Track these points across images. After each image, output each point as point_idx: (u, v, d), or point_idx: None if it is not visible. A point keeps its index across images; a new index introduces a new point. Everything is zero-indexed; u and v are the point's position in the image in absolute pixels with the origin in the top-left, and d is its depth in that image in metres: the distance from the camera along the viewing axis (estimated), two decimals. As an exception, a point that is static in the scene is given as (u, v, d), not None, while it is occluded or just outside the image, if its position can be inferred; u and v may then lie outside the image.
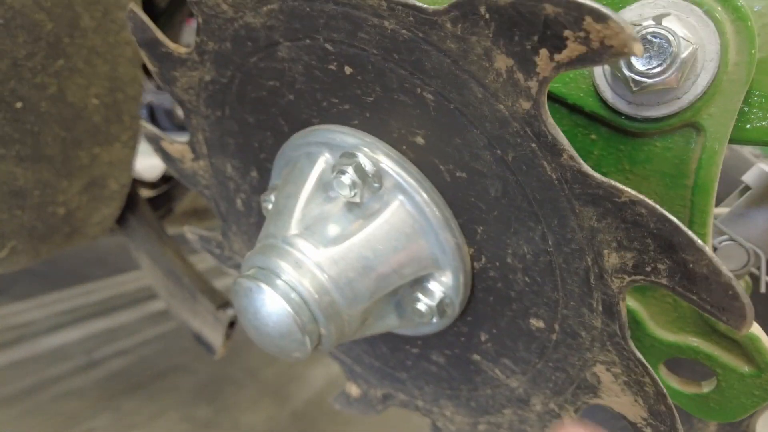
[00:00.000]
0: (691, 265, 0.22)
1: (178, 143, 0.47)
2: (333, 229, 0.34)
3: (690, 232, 0.22)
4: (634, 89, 0.26)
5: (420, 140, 0.31)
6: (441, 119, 0.29)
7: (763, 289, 0.38)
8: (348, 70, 0.31)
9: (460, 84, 0.26)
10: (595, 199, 0.24)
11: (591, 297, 0.28)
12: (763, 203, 0.37)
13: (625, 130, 0.29)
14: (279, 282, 0.32)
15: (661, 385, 0.28)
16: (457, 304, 0.35)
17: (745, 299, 0.22)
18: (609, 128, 0.30)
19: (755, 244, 0.37)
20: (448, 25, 0.24)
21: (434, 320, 0.35)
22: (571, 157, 0.24)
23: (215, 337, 0.70)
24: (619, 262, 0.26)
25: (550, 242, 0.29)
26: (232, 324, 0.70)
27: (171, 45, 0.38)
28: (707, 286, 0.22)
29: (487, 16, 0.22)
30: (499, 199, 0.29)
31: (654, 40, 0.25)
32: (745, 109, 0.28)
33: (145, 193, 0.90)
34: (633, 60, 0.25)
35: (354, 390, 0.52)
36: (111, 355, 1.48)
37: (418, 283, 0.35)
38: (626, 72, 0.26)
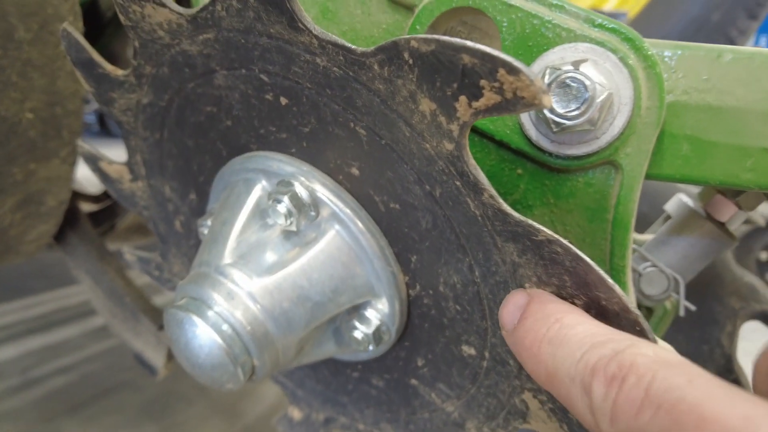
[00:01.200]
0: (603, 302, 0.24)
1: (116, 164, 0.46)
2: (268, 258, 0.34)
3: (601, 272, 0.23)
4: (555, 130, 0.27)
5: (355, 171, 0.31)
6: (374, 153, 0.29)
7: (682, 313, 0.40)
8: (284, 101, 0.31)
9: (389, 122, 0.27)
10: (515, 236, 0.25)
11: None
12: (683, 231, 0.39)
13: (550, 166, 0.30)
14: (210, 313, 0.31)
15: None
16: (394, 330, 0.36)
17: (651, 334, 0.23)
18: (534, 164, 0.31)
19: (675, 270, 0.39)
20: (376, 67, 0.25)
21: (371, 348, 0.35)
22: (491, 197, 0.25)
23: (157, 357, 0.68)
24: (540, 295, 0.27)
25: (477, 273, 0.29)
26: (174, 345, 0.68)
27: (108, 66, 0.38)
28: (618, 322, 0.24)
29: (411, 61, 0.23)
30: (430, 230, 0.30)
31: (572, 84, 0.26)
32: (658, 148, 0.30)
33: (87, 207, 0.87)
34: (553, 103, 0.26)
35: (296, 413, 0.51)
36: (50, 373, 1.42)
37: (355, 310, 0.36)
38: (547, 114, 0.27)
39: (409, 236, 0.32)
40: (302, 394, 0.49)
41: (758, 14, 1.06)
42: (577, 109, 0.26)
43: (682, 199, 0.40)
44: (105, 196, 0.90)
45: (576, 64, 0.27)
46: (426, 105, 0.24)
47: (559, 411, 0.30)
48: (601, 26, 0.28)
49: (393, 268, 0.33)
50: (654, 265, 0.39)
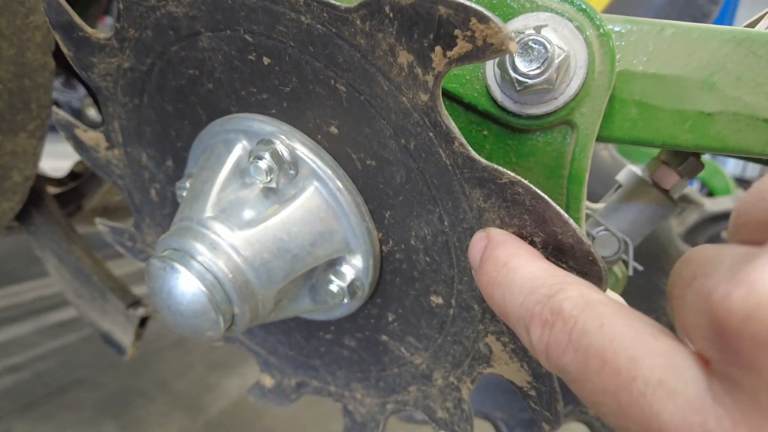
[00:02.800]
0: (559, 236, 0.26)
1: (92, 131, 0.46)
2: (248, 213, 0.35)
3: (557, 207, 0.26)
4: (518, 89, 0.30)
5: (334, 130, 0.33)
6: (353, 110, 0.31)
7: (630, 273, 0.44)
8: (266, 60, 0.33)
9: (369, 77, 0.29)
10: (481, 181, 0.28)
11: None
12: (632, 198, 0.43)
13: (512, 126, 0.33)
14: (194, 263, 0.33)
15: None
16: (367, 285, 0.38)
17: (602, 263, 0.26)
18: (498, 125, 0.34)
19: (625, 233, 0.43)
20: (358, 22, 0.27)
21: (345, 301, 0.37)
22: (461, 144, 0.27)
23: (125, 336, 0.68)
24: (504, 237, 0.29)
25: (446, 223, 0.32)
26: (143, 323, 0.68)
27: (88, 30, 0.38)
28: (573, 254, 0.26)
29: (391, 15, 0.25)
30: (403, 184, 0.32)
31: (534, 46, 0.29)
32: (609, 112, 0.34)
33: (52, 190, 0.85)
34: (517, 63, 0.29)
35: (268, 381, 0.53)
36: (0, 371, 1.37)
37: (331, 266, 0.37)
38: (512, 73, 0.30)
39: (384, 192, 0.34)
40: (274, 360, 0.51)
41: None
42: (538, 68, 0.29)
43: (631, 169, 0.44)
44: (69, 179, 0.88)
45: (537, 29, 0.29)
46: (404, 57, 0.26)
47: (520, 351, 0.33)
48: (559, -2, 0.31)
49: (368, 224, 0.36)
50: (606, 229, 0.43)
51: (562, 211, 0.26)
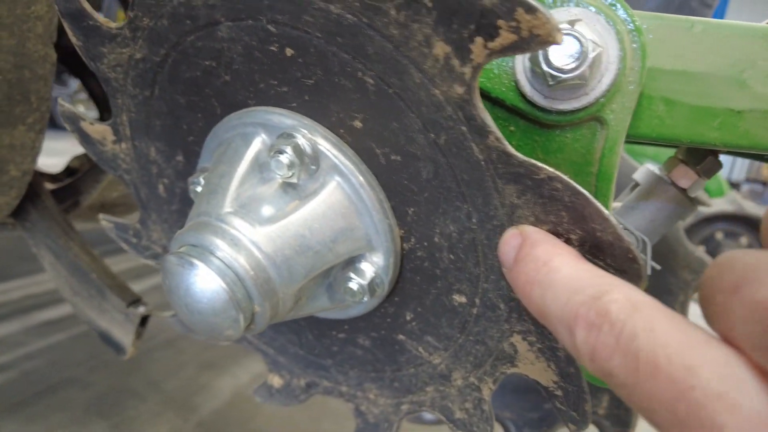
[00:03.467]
0: (598, 234, 0.26)
1: (99, 124, 0.45)
2: (268, 209, 0.34)
3: (598, 204, 0.25)
4: (550, 83, 0.29)
5: (358, 124, 0.32)
6: (380, 103, 0.31)
7: (648, 272, 0.44)
8: (289, 52, 0.32)
9: (400, 69, 0.28)
10: (516, 177, 0.27)
11: None
12: (649, 197, 0.43)
13: (540, 122, 0.33)
14: (213, 259, 0.32)
15: (569, 348, 0.31)
16: (387, 283, 0.37)
17: (641, 261, 0.25)
18: (526, 121, 0.33)
19: (643, 232, 0.42)
20: (392, 12, 0.26)
21: (365, 299, 0.36)
22: (497, 139, 0.27)
23: (125, 336, 0.66)
24: (537, 235, 0.29)
25: (474, 220, 0.31)
26: (143, 322, 0.67)
27: (99, 18, 0.37)
28: (612, 252, 0.26)
29: (430, 4, 0.24)
30: (430, 180, 0.32)
31: (569, 40, 0.29)
32: (637, 109, 0.33)
33: (48, 186, 0.84)
34: (550, 57, 0.29)
35: (276, 381, 0.52)
36: (-13, 371, 1.34)
37: (351, 264, 0.37)
38: (544, 67, 0.29)
39: (408, 188, 0.33)
40: (284, 360, 0.50)
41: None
42: (573, 63, 0.29)
43: (649, 168, 0.44)
44: (65, 175, 0.86)
45: (572, 23, 0.29)
46: (440, 48, 0.26)
47: (548, 350, 0.33)
48: (591, -8, 0.31)
49: (390, 221, 0.35)
50: (625, 228, 0.42)
51: (602, 208, 0.25)
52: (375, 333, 0.42)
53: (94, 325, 0.70)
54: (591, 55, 0.29)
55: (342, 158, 0.34)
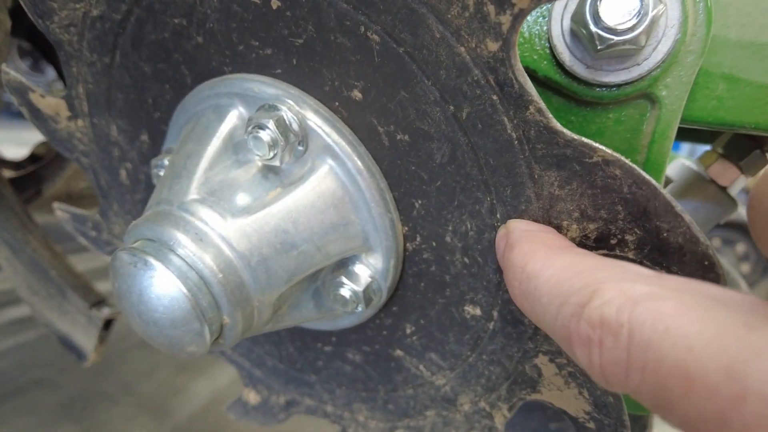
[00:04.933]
0: (665, 234, 0.20)
1: (51, 97, 0.39)
2: (244, 198, 0.28)
3: (669, 197, 0.19)
4: (598, 47, 0.24)
5: (357, 95, 0.26)
6: (386, 67, 0.25)
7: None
8: (275, 3, 0.26)
9: (415, 20, 0.22)
10: (560, 160, 0.22)
11: None
12: (686, 195, 0.37)
13: (578, 99, 0.27)
14: (173, 257, 0.26)
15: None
16: (385, 290, 0.31)
17: (721, 270, 0.20)
18: (561, 97, 0.27)
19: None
20: (407, -58, 0.20)
21: (358, 309, 0.30)
22: (539, 111, 0.21)
23: (87, 340, 0.60)
24: (580, 234, 0.23)
25: (498, 216, 0.25)
26: (107, 325, 0.60)
27: (45, -36, 0.31)
28: (680, 257, 0.20)
29: (459, -73, 0.19)
30: (444, 166, 0.26)
31: (624, -7, 0.23)
32: (693, 87, 0.28)
33: (9, 174, 0.76)
34: (601, 13, 0.23)
35: (252, 397, 0.45)
36: (-50, 372, 1.26)
37: (342, 266, 0.31)
38: (593, 28, 0.23)
39: (417, 175, 0.27)
40: (261, 374, 0.44)
41: None
42: (629, 21, 0.23)
43: (684, 163, 0.38)
44: (29, 162, 0.79)
45: (628, -28, 0.23)
46: None
47: (580, 375, 0.27)
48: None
49: (392, 215, 0.29)
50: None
51: (674, 202, 0.19)
52: (368, 347, 0.36)
53: (54, 328, 0.63)
54: (651, 13, 0.23)
55: (336, 137, 0.28)
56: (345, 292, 0.30)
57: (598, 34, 0.23)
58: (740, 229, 1.67)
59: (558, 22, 0.25)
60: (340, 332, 0.37)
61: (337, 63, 0.26)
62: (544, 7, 0.26)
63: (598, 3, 0.23)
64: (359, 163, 0.28)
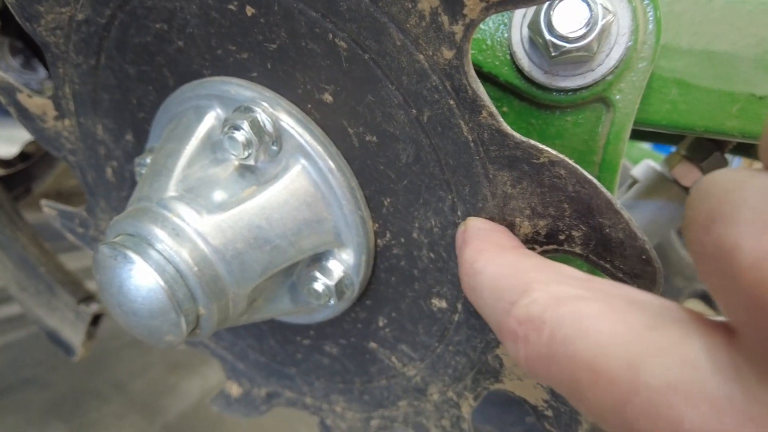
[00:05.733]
0: (607, 230, 0.22)
1: (38, 97, 0.40)
2: (220, 195, 0.29)
3: (609, 194, 0.21)
4: (552, 54, 0.25)
5: (328, 98, 0.28)
6: (354, 72, 0.26)
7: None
8: (250, 11, 0.27)
9: (378, 29, 0.24)
10: (511, 161, 0.23)
11: None
12: (650, 195, 0.39)
13: (538, 102, 0.28)
14: (152, 251, 0.27)
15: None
16: (357, 284, 0.32)
17: (657, 263, 0.21)
18: (522, 101, 0.29)
19: (643, 233, 0.38)
20: (369, -44, 0.22)
21: (331, 302, 0.32)
22: (491, 114, 0.22)
23: (75, 336, 0.61)
24: (532, 231, 0.24)
25: (459, 213, 0.27)
26: (96, 321, 0.61)
27: (32, -30, 0.32)
28: (622, 251, 0.22)
29: (413, -56, 0.20)
30: (410, 165, 0.27)
31: (577, 3, 0.24)
32: (646, 92, 0.29)
33: (-2, 171, 0.77)
34: (554, 23, 0.24)
35: (235, 389, 0.47)
36: (-62, 371, 1.26)
37: (316, 261, 0.32)
38: (547, 36, 0.25)
39: (385, 174, 0.29)
40: (243, 367, 0.45)
41: None
42: (580, 30, 0.24)
43: (650, 164, 0.40)
44: (19, 160, 0.80)
45: (579, -16, 0.25)
46: (426, 2, 0.21)
47: (539, 365, 0.28)
48: (600, -47, 0.26)
49: (363, 213, 0.30)
50: (622, 229, 0.39)
51: (614, 199, 0.21)
52: (344, 340, 0.37)
53: (42, 324, 0.64)
54: (601, 23, 0.24)
55: (308, 138, 0.29)
56: (318, 286, 0.31)
57: (552, 42, 0.25)
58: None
59: (518, 30, 0.27)
60: (318, 326, 0.38)
61: (308, 67, 0.27)
62: (505, 16, 0.28)
63: (551, 12, 0.25)
64: (331, 162, 0.29)
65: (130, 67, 0.35)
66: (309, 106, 0.29)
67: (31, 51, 1.05)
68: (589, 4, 0.24)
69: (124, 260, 0.27)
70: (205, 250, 0.27)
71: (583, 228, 0.22)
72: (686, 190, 0.39)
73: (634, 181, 0.41)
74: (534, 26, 0.25)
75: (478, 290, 0.22)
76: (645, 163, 0.41)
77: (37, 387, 1.27)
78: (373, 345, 0.36)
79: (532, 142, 0.22)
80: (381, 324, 0.35)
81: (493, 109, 0.22)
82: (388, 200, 0.30)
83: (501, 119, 0.22)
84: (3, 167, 0.81)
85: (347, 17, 0.24)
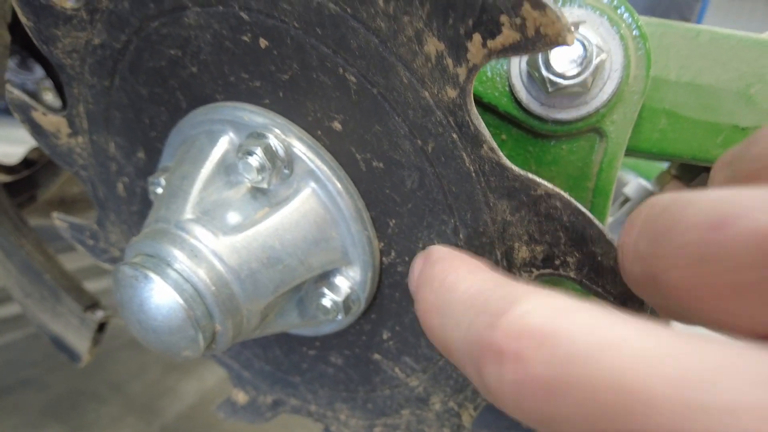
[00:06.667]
0: (599, 258, 0.23)
1: (52, 115, 0.41)
2: (234, 217, 0.31)
3: (601, 226, 0.23)
4: (549, 90, 0.27)
5: (337, 126, 0.29)
6: (362, 104, 0.28)
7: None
8: (263, 43, 0.29)
9: (386, 67, 0.25)
10: (510, 191, 0.25)
11: None
12: (641, 214, 0.41)
13: (535, 132, 0.30)
14: (170, 271, 0.28)
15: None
16: (363, 300, 0.34)
17: (646, 291, 0.23)
18: (519, 129, 0.31)
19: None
20: (380, 2, 0.23)
21: (339, 317, 0.33)
22: (492, 149, 0.24)
23: (80, 342, 0.62)
24: (529, 255, 0.26)
25: (461, 236, 0.29)
26: (101, 327, 0.62)
27: (52, -3, 0.33)
28: (613, 278, 0.23)
29: (423, -6, 0.22)
30: (414, 191, 0.29)
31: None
32: (638, 121, 0.31)
33: (2, 178, 0.78)
34: (551, 61, 0.26)
35: (241, 397, 0.48)
36: (-68, 373, 1.26)
37: (324, 278, 0.34)
38: (544, 72, 0.27)
39: (390, 198, 0.30)
40: (249, 375, 0.47)
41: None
42: (575, 68, 0.26)
43: (641, 183, 0.42)
44: (22, 166, 0.81)
45: (575, 25, 0.26)
46: (432, 45, 0.23)
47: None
48: (595, -7, 0.28)
49: (369, 232, 0.32)
50: (614, 245, 0.40)
51: (605, 230, 0.23)
52: (348, 351, 0.39)
53: (46, 330, 0.65)
54: (595, 61, 0.26)
55: (318, 162, 0.31)
56: (326, 302, 0.33)
57: (549, 78, 0.27)
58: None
59: (516, 64, 0.29)
60: (324, 337, 0.40)
61: (319, 97, 0.29)
62: (505, 50, 0.29)
63: (549, 51, 0.26)
64: (339, 185, 0.31)
65: (143, 88, 0.36)
66: (319, 132, 0.30)
67: (27, 51, 1.06)
68: (584, 44, 0.26)
69: (145, 280, 0.28)
70: (222, 270, 0.29)
71: (578, 255, 0.24)
72: (675, 207, 0.41)
73: (626, 199, 0.43)
74: (532, 62, 0.27)
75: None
76: (636, 181, 0.43)
77: (34, 388, 1.28)
78: (377, 356, 0.38)
79: (530, 175, 0.24)
80: (385, 337, 0.36)
81: (494, 144, 0.24)
82: (393, 221, 0.31)
83: (501, 153, 0.24)
84: (7, 174, 0.82)
85: (357, 54, 0.26)
